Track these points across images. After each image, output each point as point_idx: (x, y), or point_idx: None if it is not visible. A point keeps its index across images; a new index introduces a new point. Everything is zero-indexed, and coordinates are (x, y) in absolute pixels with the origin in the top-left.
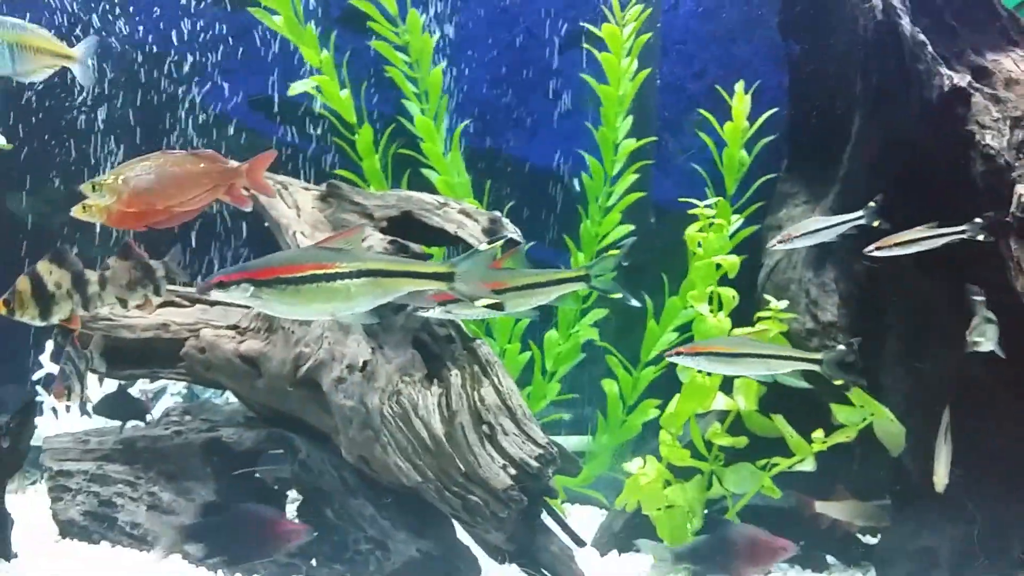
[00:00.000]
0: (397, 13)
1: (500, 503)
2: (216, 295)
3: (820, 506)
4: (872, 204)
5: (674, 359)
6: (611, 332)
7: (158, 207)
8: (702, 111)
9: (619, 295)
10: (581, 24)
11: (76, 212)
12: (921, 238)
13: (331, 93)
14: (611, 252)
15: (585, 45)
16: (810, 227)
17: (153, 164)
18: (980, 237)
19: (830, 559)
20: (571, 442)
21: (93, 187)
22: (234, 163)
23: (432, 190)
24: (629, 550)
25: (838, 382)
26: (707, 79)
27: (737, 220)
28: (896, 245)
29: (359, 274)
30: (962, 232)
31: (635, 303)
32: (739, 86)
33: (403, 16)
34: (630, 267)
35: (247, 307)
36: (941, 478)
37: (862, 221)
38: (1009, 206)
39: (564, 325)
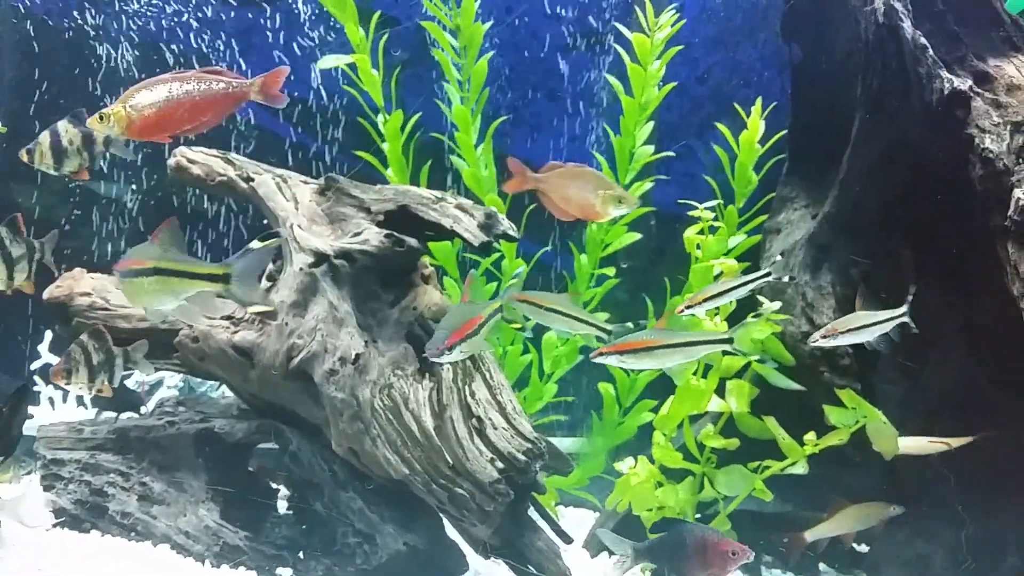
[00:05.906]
0: None
1: (486, 496)
2: None
3: (811, 535)
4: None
5: (599, 360)
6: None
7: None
8: (718, 124)
9: None
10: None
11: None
12: (728, 289)
13: (364, 72)
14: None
15: (615, 46)
16: (854, 323)
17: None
18: (785, 279)
19: (822, 566)
20: (565, 444)
21: (100, 118)
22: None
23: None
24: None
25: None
26: (711, 83)
27: (740, 234)
28: (705, 300)
29: (152, 272)
30: (766, 276)
31: None
32: (757, 104)
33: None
34: (631, 269)
35: None
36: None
37: (905, 319)
38: (1007, 210)
39: None
